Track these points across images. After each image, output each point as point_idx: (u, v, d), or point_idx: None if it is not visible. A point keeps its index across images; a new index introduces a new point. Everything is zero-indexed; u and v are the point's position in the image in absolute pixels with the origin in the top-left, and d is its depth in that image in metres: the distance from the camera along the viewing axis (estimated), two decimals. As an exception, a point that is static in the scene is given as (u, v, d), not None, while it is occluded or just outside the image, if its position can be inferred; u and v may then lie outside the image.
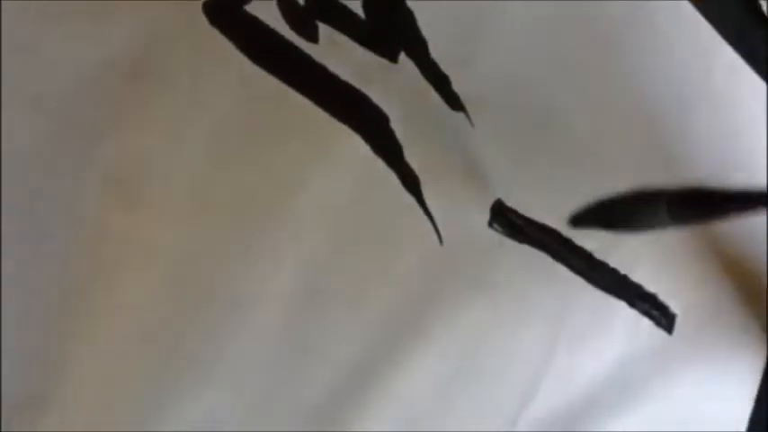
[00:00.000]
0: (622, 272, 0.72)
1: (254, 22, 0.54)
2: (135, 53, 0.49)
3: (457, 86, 0.62)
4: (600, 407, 0.70)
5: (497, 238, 0.65)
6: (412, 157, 0.60)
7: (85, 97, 0.47)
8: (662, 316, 0.75)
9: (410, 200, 0.60)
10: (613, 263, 0.71)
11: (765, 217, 0.75)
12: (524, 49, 0.67)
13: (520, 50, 0.67)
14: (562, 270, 0.68)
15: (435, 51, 0.61)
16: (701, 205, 0.58)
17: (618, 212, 0.62)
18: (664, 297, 0.74)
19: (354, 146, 0.58)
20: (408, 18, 0.61)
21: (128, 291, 0.48)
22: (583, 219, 0.64)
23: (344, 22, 0.58)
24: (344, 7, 0.58)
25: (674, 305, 0.75)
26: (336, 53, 0.57)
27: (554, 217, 0.68)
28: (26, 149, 0.46)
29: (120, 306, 0.48)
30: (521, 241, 0.66)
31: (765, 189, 0.55)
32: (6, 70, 0.45)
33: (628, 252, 0.72)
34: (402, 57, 0.61)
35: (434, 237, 0.61)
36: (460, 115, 0.63)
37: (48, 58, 0.46)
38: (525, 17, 0.67)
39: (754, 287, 0.79)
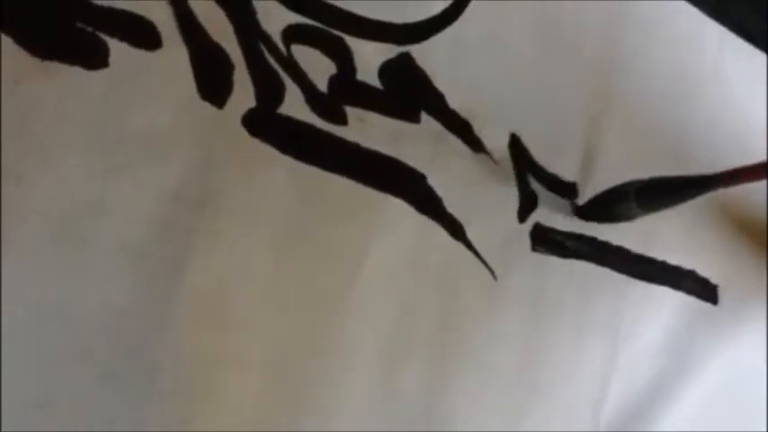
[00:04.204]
0: (660, 259, 0.76)
1: (288, 121, 0.58)
2: (195, 181, 0.53)
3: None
4: (666, 390, 0.74)
5: (543, 260, 0.69)
6: (452, 205, 0.65)
7: (160, 234, 0.51)
8: (704, 289, 0.79)
9: (459, 245, 0.65)
10: (651, 253, 0.75)
11: None
12: (517, 55, 0.70)
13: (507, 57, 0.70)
14: (607, 273, 0.72)
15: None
16: (661, 192, 0.66)
17: (602, 209, 0.70)
18: (702, 272, 0.78)
19: (401, 210, 0.62)
20: (421, 76, 0.65)
21: (231, 405, 0.53)
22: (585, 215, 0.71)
23: (366, 98, 0.62)
24: (363, 84, 0.62)
25: (713, 278, 0.79)
26: (366, 127, 0.61)
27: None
28: (115, 299, 0.50)
29: (227, 421, 0.52)
30: (564, 256, 0.70)
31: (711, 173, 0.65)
32: (85, 229, 0.50)
33: (661, 241, 0.76)
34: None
35: (487, 273, 0.65)
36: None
37: (119, 207, 0.50)
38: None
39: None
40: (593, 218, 0.71)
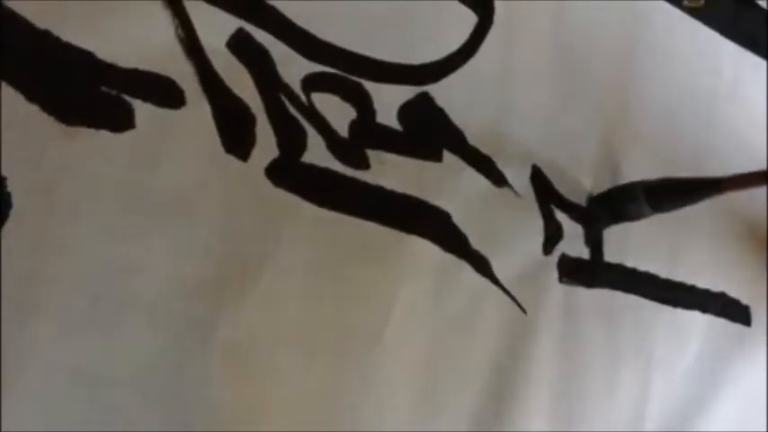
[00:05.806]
0: (689, 284, 0.75)
1: (311, 169, 0.58)
2: (223, 235, 0.53)
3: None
4: (701, 408, 0.74)
5: (570, 291, 0.68)
6: (476, 241, 0.65)
7: (190, 292, 0.52)
8: (735, 311, 0.78)
9: (485, 281, 0.64)
10: (679, 276, 0.75)
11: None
12: (533, 84, 0.70)
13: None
14: (635, 300, 0.72)
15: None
16: (671, 193, 0.67)
17: (612, 208, 0.70)
18: (732, 293, 0.78)
19: (426, 250, 0.62)
20: (441, 115, 0.65)
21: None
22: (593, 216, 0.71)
23: (386, 140, 0.62)
24: (383, 127, 0.62)
25: (743, 299, 0.78)
26: (388, 170, 0.61)
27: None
28: (147, 359, 0.50)
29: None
30: (592, 286, 0.70)
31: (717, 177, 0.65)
32: (115, 291, 0.50)
33: (689, 262, 0.75)
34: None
35: (515, 308, 0.65)
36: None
37: (148, 268, 0.51)
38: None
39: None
40: (604, 218, 0.70)
